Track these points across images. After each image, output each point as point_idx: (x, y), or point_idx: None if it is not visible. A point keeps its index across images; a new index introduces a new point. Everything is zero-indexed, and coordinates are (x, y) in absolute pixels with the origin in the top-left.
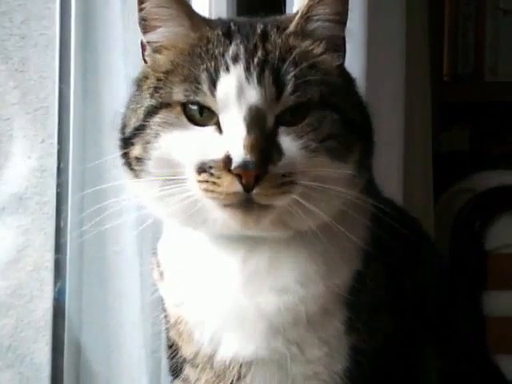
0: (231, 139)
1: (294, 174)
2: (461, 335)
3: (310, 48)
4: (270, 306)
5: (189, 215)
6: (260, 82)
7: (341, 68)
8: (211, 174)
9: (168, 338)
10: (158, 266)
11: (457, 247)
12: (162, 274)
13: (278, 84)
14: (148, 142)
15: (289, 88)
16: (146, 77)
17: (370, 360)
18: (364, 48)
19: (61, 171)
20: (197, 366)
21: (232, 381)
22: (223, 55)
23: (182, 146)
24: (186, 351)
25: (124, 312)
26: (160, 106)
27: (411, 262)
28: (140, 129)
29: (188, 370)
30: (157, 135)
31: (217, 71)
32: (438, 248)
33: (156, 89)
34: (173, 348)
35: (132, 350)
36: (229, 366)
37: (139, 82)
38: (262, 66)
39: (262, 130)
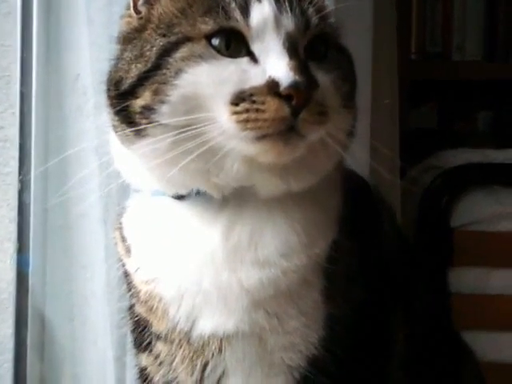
0: (273, 64)
1: (327, 106)
2: (425, 305)
3: None
4: (252, 280)
5: (201, 167)
6: (292, 11)
7: None
8: (253, 102)
9: (133, 313)
10: (124, 241)
11: (423, 224)
12: (128, 250)
13: (305, 16)
14: (164, 83)
15: (314, 20)
16: (143, 26)
17: (344, 327)
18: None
19: (23, 141)
20: (171, 342)
21: (211, 355)
22: None
23: (212, 78)
24: (159, 327)
25: (89, 283)
26: (181, 40)
27: (375, 228)
28: (151, 71)
29: (160, 346)
30: (178, 72)
31: (247, 0)
32: (405, 224)
33: (169, 27)
34: (140, 323)
35: (97, 321)
36: (208, 341)
37: (133, 34)
38: None
39: (300, 57)
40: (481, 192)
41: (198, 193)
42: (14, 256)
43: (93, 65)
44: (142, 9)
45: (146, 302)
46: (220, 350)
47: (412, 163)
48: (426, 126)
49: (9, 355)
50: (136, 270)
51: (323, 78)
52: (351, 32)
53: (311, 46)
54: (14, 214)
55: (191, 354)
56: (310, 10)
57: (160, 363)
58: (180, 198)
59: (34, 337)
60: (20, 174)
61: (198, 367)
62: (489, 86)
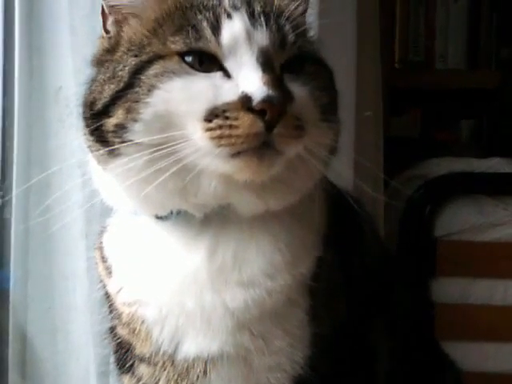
0: (246, 79)
1: (304, 120)
2: (407, 317)
3: (295, 6)
4: (236, 302)
5: (178, 186)
6: (267, 26)
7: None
8: (226, 118)
9: (115, 335)
10: (104, 262)
11: (406, 233)
12: (109, 270)
13: (281, 33)
14: (137, 101)
15: (290, 37)
16: (113, 47)
17: (328, 345)
18: (315, 33)
19: (5, 150)
20: (155, 365)
21: (196, 378)
22: (219, 4)
23: (184, 94)
24: (142, 350)
25: (71, 296)
26: (153, 58)
27: (356, 241)
28: (124, 90)
29: (142, 369)
30: (151, 89)
31: (218, 18)
32: (388, 234)
33: (141, 48)
34: (122, 345)
35: (79, 335)
36: (192, 364)
37: (105, 56)
38: (265, 14)
39: (275, 71)
40: (464, 201)
41: (179, 213)
42: None
43: (76, 76)
44: (112, 28)
45: (128, 324)
46: (205, 373)
47: (394, 172)
48: (408, 134)
49: None
50: (117, 292)
51: (299, 90)
52: (335, 42)
53: (288, 61)
54: None
55: (175, 377)
56: (287, 27)
57: None
58: (161, 217)
59: (15, 353)
60: (1, 188)
61: None
62: (472, 94)
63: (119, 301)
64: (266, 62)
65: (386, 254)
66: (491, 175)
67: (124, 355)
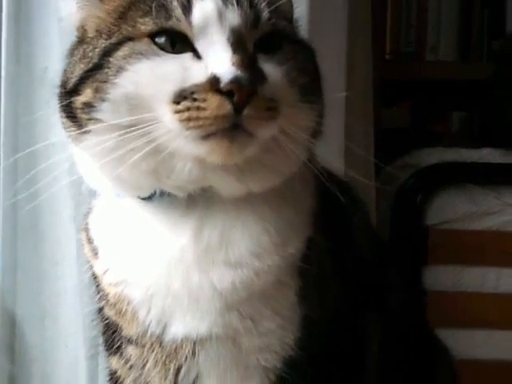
0: (216, 60)
1: (278, 101)
2: (401, 304)
3: None
4: (224, 282)
5: (152, 168)
6: (239, 5)
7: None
8: (194, 100)
9: (103, 316)
10: (91, 243)
11: (398, 222)
12: (95, 251)
13: (254, 10)
14: (105, 81)
15: (265, 14)
16: (85, 34)
17: (319, 328)
18: (305, 25)
19: None
20: (143, 346)
21: (185, 359)
22: None
23: (153, 75)
24: (129, 331)
25: (60, 281)
26: (123, 40)
27: (348, 227)
28: (93, 70)
29: (130, 350)
30: (119, 70)
31: None
32: (380, 223)
33: (111, 29)
34: (110, 326)
35: (68, 320)
36: (181, 345)
37: (76, 45)
38: None
39: (246, 52)
40: (455, 191)
41: (163, 194)
42: None
43: (62, 56)
44: (80, 23)
45: (114, 304)
46: (194, 354)
47: (386, 163)
48: (399, 125)
49: None
50: (104, 273)
51: (274, 70)
52: (326, 32)
53: (263, 40)
54: None
55: (164, 358)
56: (261, 4)
57: (130, 367)
58: (144, 199)
59: (3, 337)
60: None
61: (172, 371)
62: (463, 86)
63: (105, 281)
64: (237, 41)
65: (378, 242)
66: (482, 165)
67: (112, 336)
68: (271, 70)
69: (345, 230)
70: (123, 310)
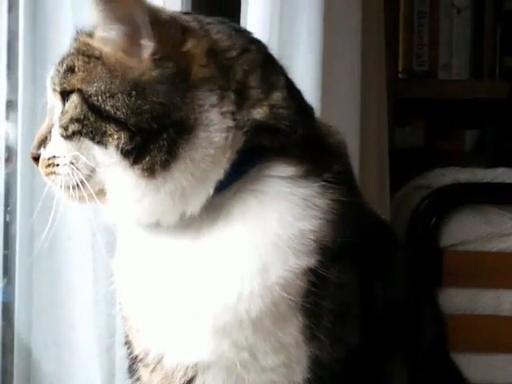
0: None
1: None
2: (426, 339)
3: None
4: (209, 306)
5: None
6: None
7: None
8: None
9: (125, 334)
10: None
11: (412, 244)
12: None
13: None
14: None
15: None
16: None
17: (332, 373)
18: (320, 45)
19: (8, 164)
20: (148, 367)
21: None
22: None
23: None
24: (137, 348)
25: (76, 309)
26: None
27: (385, 271)
28: None
29: (141, 370)
30: None
31: None
32: None
33: None
34: (127, 345)
35: (84, 349)
36: (178, 369)
37: None
38: None
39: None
40: (470, 212)
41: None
42: None
43: None
44: None
45: (126, 320)
46: (192, 380)
47: (399, 183)
48: (412, 145)
49: None
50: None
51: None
52: (340, 53)
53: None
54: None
55: (163, 380)
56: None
57: None
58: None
59: (20, 364)
60: (8, 204)
61: None
62: (476, 104)
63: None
64: None
65: (414, 282)
66: (497, 185)
67: (133, 360)
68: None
69: (381, 275)
70: (131, 326)
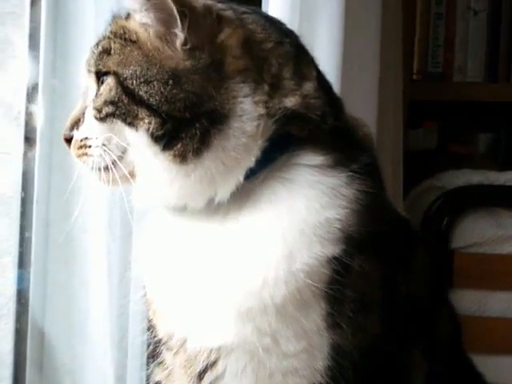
0: None
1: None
2: (444, 335)
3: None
4: (234, 290)
5: None
6: None
7: None
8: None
9: (148, 319)
10: None
11: (424, 245)
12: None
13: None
14: None
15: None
16: None
17: (353, 361)
18: (340, 45)
19: (26, 153)
20: (171, 350)
21: (205, 366)
22: None
23: None
24: (161, 332)
25: (90, 300)
26: None
27: (406, 265)
28: None
29: (164, 353)
30: None
31: None
32: None
33: None
34: (151, 329)
35: (97, 339)
36: (201, 352)
37: None
38: None
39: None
40: (481, 214)
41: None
42: (15, 271)
43: None
44: None
45: (150, 303)
46: (214, 363)
47: (411, 185)
48: (425, 147)
49: (8, 371)
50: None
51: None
52: (360, 52)
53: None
54: (16, 228)
55: (185, 363)
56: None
57: (168, 374)
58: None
59: (33, 353)
60: (24, 192)
61: (194, 378)
62: (490, 107)
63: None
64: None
65: (434, 280)
66: (509, 188)
67: (156, 344)
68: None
69: (403, 263)
70: (155, 309)
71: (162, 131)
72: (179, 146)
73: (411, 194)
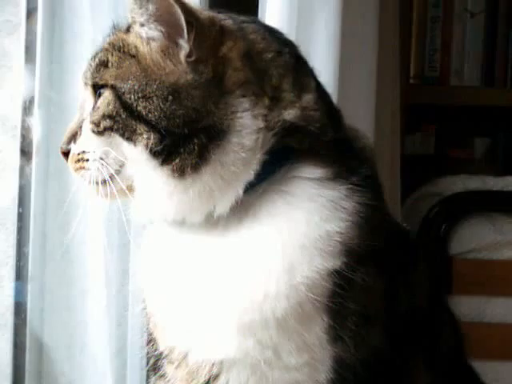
0: None
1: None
2: (445, 345)
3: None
4: (235, 303)
5: None
6: None
7: None
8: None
9: (148, 332)
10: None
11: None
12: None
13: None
14: None
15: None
16: None
17: (355, 374)
18: (337, 49)
19: (23, 164)
20: (172, 363)
21: (207, 380)
22: None
23: None
24: (162, 345)
25: (88, 310)
26: None
27: (408, 276)
28: None
29: (166, 367)
30: None
31: None
32: None
33: None
34: (152, 342)
35: (96, 349)
36: (203, 365)
37: None
38: None
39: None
40: (480, 220)
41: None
42: (12, 282)
43: None
44: None
45: (151, 316)
46: (216, 377)
47: (408, 190)
48: (422, 151)
49: (6, 382)
50: (143, 285)
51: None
52: (357, 56)
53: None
54: (13, 239)
55: (187, 377)
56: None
57: None
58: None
59: (31, 363)
60: (21, 202)
61: None
62: (487, 111)
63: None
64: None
65: (434, 291)
66: (507, 193)
67: (157, 357)
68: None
69: (405, 275)
70: (156, 323)
71: (161, 146)
72: (177, 160)
73: (409, 200)
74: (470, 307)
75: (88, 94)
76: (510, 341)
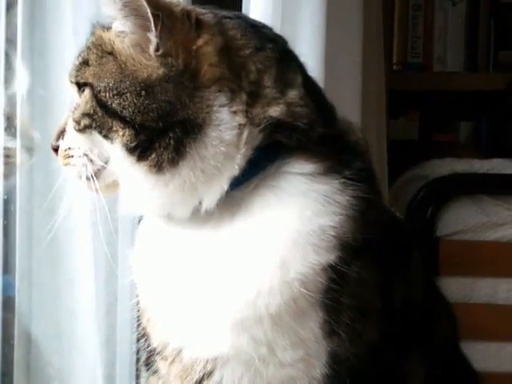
0: None
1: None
2: (440, 336)
3: None
4: (228, 300)
5: None
6: None
7: None
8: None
9: (140, 327)
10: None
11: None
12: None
13: None
14: None
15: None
16: None
17: (351, 369)
18: (323, 39)
19: (6, 149)
20: (166, 359)
21: (202, 377)
22: None
23: None
24: (155, 341)
25: (76, 300)
26: None
27: (403, 269)
28: None
29: (159, 363)
30: None
31: None
32: None
33: None
34: (145, 337)
35: (85, 340)
36: (197, 362)
37: None
38: None
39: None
40: (466, 202)
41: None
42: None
43: None
44: None
45: (144, 311)
46: (211, 373)
47: (395, 174)
48: (407, 137)
49: None
50: (136, 278)
51: None
52: (342, 46)
53: None
54: None
55: (181, 373)
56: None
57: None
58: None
59: (20, 355)
60: (6, 192)
61: None
62: (470, 96)
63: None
64: None
65: (429, 282)
66: (493, 176)
67: (151, 353)
68: None
69: (401, 273)
70: (149, 318)
71: (136, 142)
72: (153, 156)
73: (396, 183)
74: (457, 288)
75: (74, 92)
76: (497, 321)
